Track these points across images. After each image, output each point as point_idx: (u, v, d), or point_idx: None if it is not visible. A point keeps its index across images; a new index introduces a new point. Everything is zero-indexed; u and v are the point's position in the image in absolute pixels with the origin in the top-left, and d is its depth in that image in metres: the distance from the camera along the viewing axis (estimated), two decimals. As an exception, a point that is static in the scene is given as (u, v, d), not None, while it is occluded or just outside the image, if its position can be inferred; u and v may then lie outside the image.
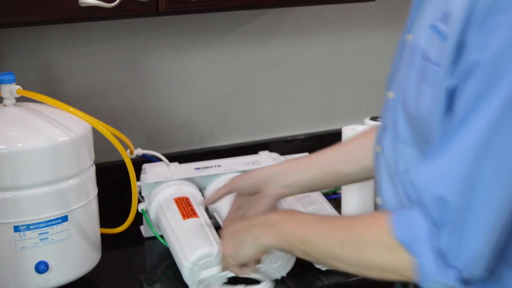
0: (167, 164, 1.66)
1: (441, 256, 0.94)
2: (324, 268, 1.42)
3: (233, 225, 1.21)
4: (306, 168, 1.31)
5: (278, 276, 1.40)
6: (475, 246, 0.93)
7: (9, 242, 1.29)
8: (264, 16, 1.86)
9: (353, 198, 1.60)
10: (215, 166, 1.65)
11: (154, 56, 1.78)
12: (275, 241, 1.12)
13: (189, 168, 1.65)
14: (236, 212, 1.36)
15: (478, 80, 0.90)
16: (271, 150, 1.80)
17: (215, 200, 1.38)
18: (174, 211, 1.48)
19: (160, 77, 1.80)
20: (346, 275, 1.42)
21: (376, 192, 1.14)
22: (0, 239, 1.29)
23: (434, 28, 0.98)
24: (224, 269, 1.26)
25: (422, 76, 0.99)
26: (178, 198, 1.52)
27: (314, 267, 1.43)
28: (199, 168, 1.64)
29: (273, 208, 1.32)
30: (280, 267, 1.39)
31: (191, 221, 1.44)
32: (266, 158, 1.72)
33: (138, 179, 1.62)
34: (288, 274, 1.41)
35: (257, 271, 1.25)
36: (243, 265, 1.21)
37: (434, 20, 0.98)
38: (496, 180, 0.91)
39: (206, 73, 1.85)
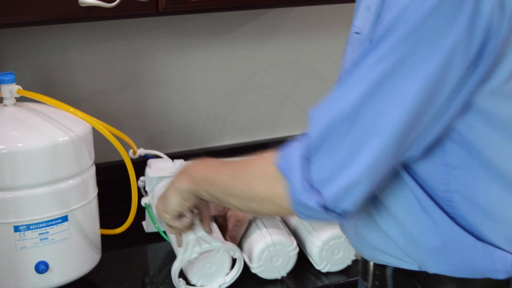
0: (172, 161, 1.67)
1: (309, 180, 0.99)
2: (324, 270, 1.42)
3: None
4: None
5: (278, 275, 1.40)
6: (342, 179, 0.97)
7: (9, 242, 1.29)
8: (264, 16, 1.86)
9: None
10: None
11: (154, 56, 1.78)
12: (187, 184, 1.18)
13: (194, 165, 1.65)
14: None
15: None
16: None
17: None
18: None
19: (160, 77, 1.80)
20: (346, 275, 1.43)
21: None
22: (0, 239, 1.29)
23: (367, 8, 1.04)
24: (166, 227, 1.30)
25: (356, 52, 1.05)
26: None
27: (314, 267, 1.43)
28: None
29: None
30: (280, 266, 1.39)
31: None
32: None
33: (136, 178, 1.63)
34: (288, 274, 1.41)
35: (194, 220, 1.29)
36: (179, 217, 1.26)
37: (368, 1, 1.04)
38: (372, 122, 0.95)
39: (206, 73, 1.85)
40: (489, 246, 1.02)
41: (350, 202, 0.99)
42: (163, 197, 1.23)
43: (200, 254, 1.33)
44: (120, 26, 1.72)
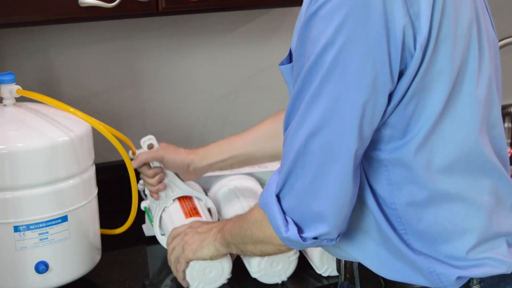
0: None
1: (285, 215, 1.06)
2: (325, 274, 1.42)
3: (197, 225, 1.36)
4: (222, 152, 1.48)
5: (278, 280, 1.40)
6: (308, 208, 1.03)
7: (9, 242, 1.29)
8: (264, 16, 1.86)
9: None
10: None
11: (154, 56, 1.78)
12: (219, 245, 1.29)
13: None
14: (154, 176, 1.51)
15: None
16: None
17: (140, 163, 1.50)
18: (177, 210, 1.49)
19: (160, 77, 1.80)
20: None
21: None
22: (0, 239, 1.29)
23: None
24: (168, 257, 1.37)
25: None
26: (182, 197, 1.52)
27: (315, 271, 1.43)
28: None
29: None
30: (280, 271, 1.39)
31: (193, 220, 1.44)
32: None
33: (138, 179, 1.62)
34: (289, 278, 1.40)
35: (184, 275, 1.35)
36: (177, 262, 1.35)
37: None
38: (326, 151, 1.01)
39: (206, 73, 1.85)
40: (432, 260, 1.07)
41: (327, 227, 1.04)
42: (200, 241, 1.31)
43: (173, 200, 1.50)
44: (120, 26, 1.72)
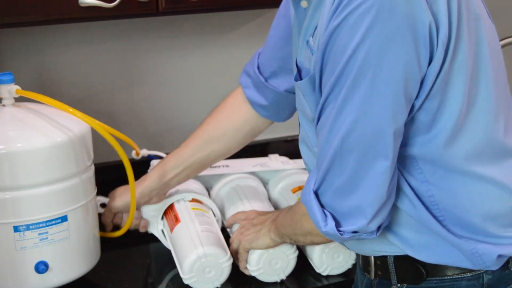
0: None
1: (324, 208, 1.10)
2: (325, 273, 1.42)
3: (253, 216, 1.43)
4: (174, 167, 1.49)
5: (277, 279, 1.40)
6: (347, 202, 1.07)
7: (9, 242, 1.29)
8: (264, 16, 1.86)
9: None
10: (223, 166, 1.66)
11: (154, 56, 1.78)
12: (274, 234, 1.33)
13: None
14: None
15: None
16: (271, 150, 1.80)
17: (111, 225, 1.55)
18: (166, 225, 1.50)
19: (160, 77, 1.80)
20: (346, 278, 1.42)
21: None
22: (0, 239, 1.29)
23: (306, 42, 1.13)
24: (231, 251, 1.40)
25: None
26: (167, 208, 1.53)
27: (315, 270, 1.43)
28: None
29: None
30: (279, 269, 1.39)
31: (175, 231, 1.45)
32: (275, 161, 1.72)
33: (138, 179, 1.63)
34: (288, 276, 1.41)
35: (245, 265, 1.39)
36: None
37: (308, 35, 1.12)
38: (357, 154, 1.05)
39: (206, 73, 1.85)
40: (473, 241, 1.10)
41: (366, 220, 1.07)
42: (256, 232, 1.37)
43: None
44: (120, 26, 1.72)
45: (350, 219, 1.08)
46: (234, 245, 1.41)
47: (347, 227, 1.09)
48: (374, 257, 1.20)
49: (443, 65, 1.01)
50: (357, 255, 1.27)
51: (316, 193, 1.11)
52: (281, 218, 1.31)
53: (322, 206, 1.10)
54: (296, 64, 1.18)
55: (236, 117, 1.48)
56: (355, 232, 1.09)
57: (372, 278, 1.21)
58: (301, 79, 1.15)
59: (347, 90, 1.01)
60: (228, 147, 1.49)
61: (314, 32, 1.10)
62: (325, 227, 1.09)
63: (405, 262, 1.15)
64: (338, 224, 1.09)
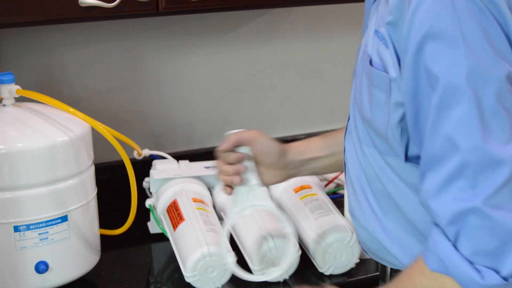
0: (177, 162, 1.67)
1: (472, 261, 0.94)
2: (327, 273, 1.42)
3: None
4: (320, 148, 1.32)
5: (280, 278, 1.40)
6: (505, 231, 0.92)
7: (9, 242, 1.29)
8: (264, 16, 1.86)
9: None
10: None
11: (154, 56, 1.78)
12: None
13: (199, 167, 1.65)
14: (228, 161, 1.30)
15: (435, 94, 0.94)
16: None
17: (233, 144, 1.29)
18: (168, 222, 1.50)
19: (160, 77, 1.80)
20: (349, 277, 1.42)
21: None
22: (0, 239, 1.29)
23: (377, 33, 1.02)
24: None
25: (370, 81, 1.03)
26: (169, 206, 1.52)
27: (317, 270, 1.43)
28: (208, 167, 1.64)
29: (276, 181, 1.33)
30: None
31: (179, 229, 1.44)
32: None
33: (142, 179, 1.63)
34: (291, 276, 1.40)
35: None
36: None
37: (378, 25, 1.02)
38: None
39: (206, 73, 1.85)
40: None
41: None
42: None
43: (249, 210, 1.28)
44: (120, 26, 1.72)
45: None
46: None
47: (506, 268, 0.92)
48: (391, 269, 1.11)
49: None
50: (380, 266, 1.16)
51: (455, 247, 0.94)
52: None
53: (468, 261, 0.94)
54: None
55: None
56: None
57: None
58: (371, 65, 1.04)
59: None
60: None
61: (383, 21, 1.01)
62: (483, 279, 0.92)
63: None
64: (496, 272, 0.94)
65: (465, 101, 0.91)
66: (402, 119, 1.00)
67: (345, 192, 1.64)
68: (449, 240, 0.94)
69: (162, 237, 1.55)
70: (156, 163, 1.65)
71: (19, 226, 1.29)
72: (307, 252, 1.45)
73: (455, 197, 0.93)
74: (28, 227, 1.29)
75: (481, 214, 0.91)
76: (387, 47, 0.99)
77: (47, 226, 1.30)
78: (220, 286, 1.37)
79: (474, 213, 0.92)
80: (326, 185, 1.78)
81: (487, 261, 0.93)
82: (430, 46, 0.92)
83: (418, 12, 0.92)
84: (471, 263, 0.93)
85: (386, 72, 1.00)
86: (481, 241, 0.92)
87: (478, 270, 0.93)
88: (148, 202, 1.57)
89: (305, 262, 1.43)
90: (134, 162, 1.47)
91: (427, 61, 0.93)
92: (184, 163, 1.67)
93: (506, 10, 0.93)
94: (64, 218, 1.33)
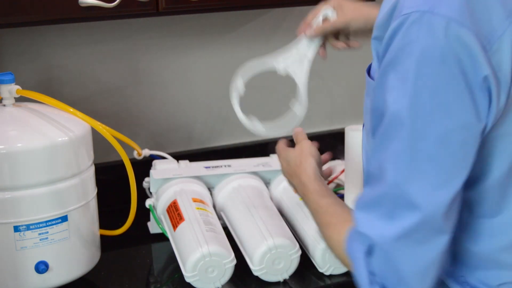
0: (177, 162, 1.67)
1: (373, 275, 1.01)
2: (327, 273, 1.42)
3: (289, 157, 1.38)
4: None
5: (280, 278, 1.40)
6: (401, 271, 0.99)
7: (9, 242, 1.29)
8: (264, 16, 1.86)
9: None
10: (224, 166, 1.65)
11: (154, 56, 1.78)
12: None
13: (199, 167, 1.65)
14: None
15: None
16: (271, 150, 1.80)
17: (319, 33, 1.51)
18: (168, 222, 1.50)
19: (160, 77, 1.80)
20: (349, 278, 1.42)
21: None
22: (0, 239, 1.29)
23: (373, 41, 1.05)
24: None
25: (366, 88, 1.08)
26: (169, 206, 1.52)
27: (317, 270, 1.43)
28: (208, 167, 1.64)
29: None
30: (282, 269, 1.39)
31: (179, 229, 1.44)
32: (276, 160, 1.72)
33: (142, 179, 1.63)
34: (291, 276, 1.41)
35: None
36: None
37: (375, 32, 1.05)
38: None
39: (206, 73, 1.85)
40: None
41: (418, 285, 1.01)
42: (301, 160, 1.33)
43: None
44: (120, 26, 1.72)
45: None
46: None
47: None
48: None
49: (501, 116, 0.95)
50: None
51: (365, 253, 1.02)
52: (321, 202, 1.17)
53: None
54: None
55: None
56: None
57: None
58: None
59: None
60: None
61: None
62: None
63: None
64: None
65: (403, 137, 0.94)
66: None
67: (345, 192, 1.65)
68: (365, 249, 1.00)
69: (162, 237, 1.55)
70: (156, 163, 1.65)
71: (19, 226, 1.29)
72: (307, 252, 1.45)
73: (372, 223, 0.99)
74: (28, 227, 1.29)
75: (385, 250, 0.98)
76: (374, 58, 1.04)
77: (47, 226, 1.30)
78: (220, 286, 1.37)
79: (380, 247, 0.98)
80: (326, 185, 1.78)
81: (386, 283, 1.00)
82: (391, 74, 0.95)
83: (396, 37, 0.94)
84: (373, 275, 1.00)
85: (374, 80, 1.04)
86: (383, 271, 0.99)
87: (373, 283, 1.01)
88: (148, 202, 1.57)
89: (305, 262, 1.43)
90: (134, 162, 1.47)
91: (386, 87, 0.96)
92: (184, 163, 1.67)
93: (478, 52, 0.92)
94: (64, 218, 1.33)
